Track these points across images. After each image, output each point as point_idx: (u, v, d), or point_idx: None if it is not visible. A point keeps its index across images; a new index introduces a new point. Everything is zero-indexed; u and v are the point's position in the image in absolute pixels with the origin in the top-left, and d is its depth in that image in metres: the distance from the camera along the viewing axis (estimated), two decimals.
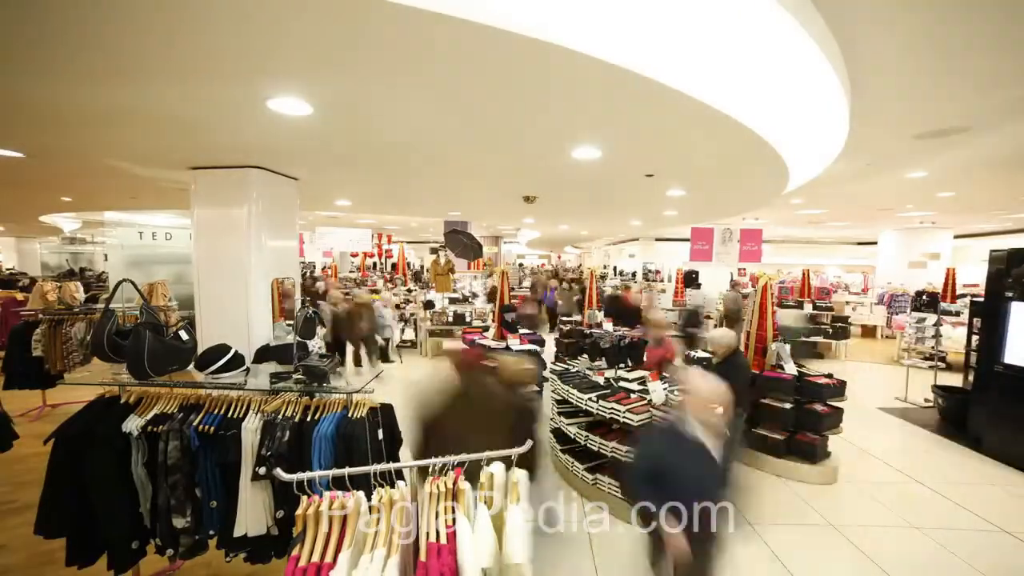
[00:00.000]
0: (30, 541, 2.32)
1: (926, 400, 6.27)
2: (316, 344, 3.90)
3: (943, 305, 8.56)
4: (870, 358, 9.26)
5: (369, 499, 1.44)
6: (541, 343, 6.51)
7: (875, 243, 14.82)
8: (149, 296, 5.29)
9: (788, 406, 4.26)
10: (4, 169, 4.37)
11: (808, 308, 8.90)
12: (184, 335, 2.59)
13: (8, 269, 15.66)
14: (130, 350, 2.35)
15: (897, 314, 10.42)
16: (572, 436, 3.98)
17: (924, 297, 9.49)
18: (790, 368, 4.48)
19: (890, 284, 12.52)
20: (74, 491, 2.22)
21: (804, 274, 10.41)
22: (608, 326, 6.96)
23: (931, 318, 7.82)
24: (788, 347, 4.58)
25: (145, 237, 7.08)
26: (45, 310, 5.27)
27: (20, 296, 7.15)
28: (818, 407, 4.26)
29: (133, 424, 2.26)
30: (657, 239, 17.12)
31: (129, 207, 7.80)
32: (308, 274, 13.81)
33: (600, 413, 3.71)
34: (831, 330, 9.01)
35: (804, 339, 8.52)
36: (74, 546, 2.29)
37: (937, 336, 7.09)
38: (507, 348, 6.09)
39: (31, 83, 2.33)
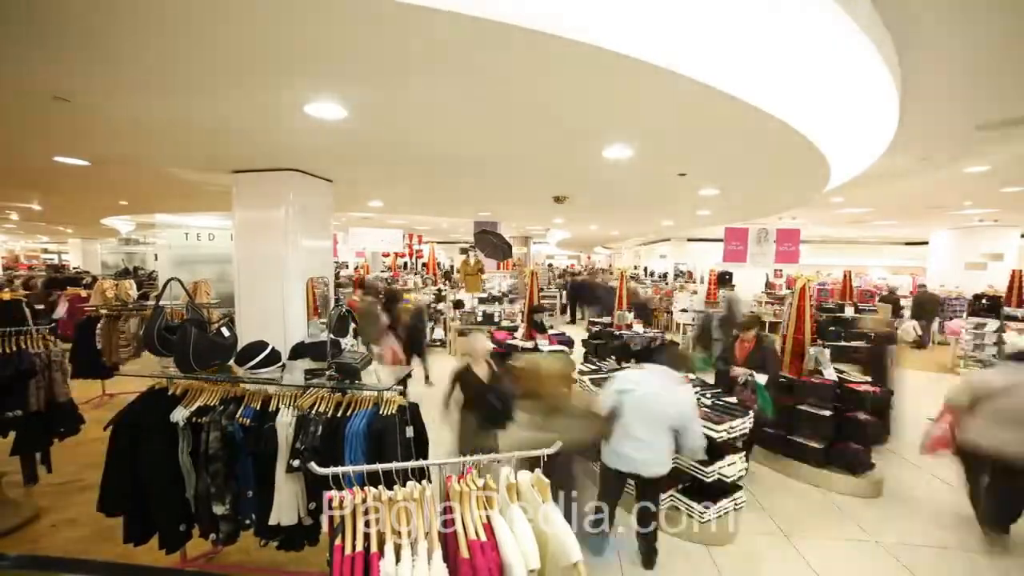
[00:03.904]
0: (95, 517, 2.51)
1: None
2: (348, 342, 4.02)
3: (1007, 310, 7.94)
4: (920, 366, 8.70)
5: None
6: (570, 343, 6.47)
7: (925, 243, 13.93)
8: (194, 294, 5.59)
9: (827, 413, 4.07)
10: (72, 175, 4.73)
11: (850, 311, 8.44)
12: (225, 332, 2.72)
13: (74, 268, 16.92)
14: (177, 345, 2.50)
15: (951, 319, 9.76)
16: None
17: (984, 301, 8.83)
18: (829, 373, 4.27)
19: (943, 287, 11.73)
20: (129, 474, 2.39)
21: (845, 276, 9.90)
22: (638, 327, 6.84)
23: (992, 324, 7.28)
24: (828, 352, 4.37)
25: (190, 238, 7.50)
26: (104, 306, 5.66)
27: (84, 293, 7.72)
28: (860, 415, 4.05)
29: (179, 415, 2.40)
30: (689, 239, 16.69)
31: (177, 209, 8.27)
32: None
33: None
34: (873, 335, 8.51)
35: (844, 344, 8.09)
36: (130, 524, 2.47)
37: (1000, 343, 6.59)
38: (536, 348, 6.10)
39: (101, 99, 2.55)
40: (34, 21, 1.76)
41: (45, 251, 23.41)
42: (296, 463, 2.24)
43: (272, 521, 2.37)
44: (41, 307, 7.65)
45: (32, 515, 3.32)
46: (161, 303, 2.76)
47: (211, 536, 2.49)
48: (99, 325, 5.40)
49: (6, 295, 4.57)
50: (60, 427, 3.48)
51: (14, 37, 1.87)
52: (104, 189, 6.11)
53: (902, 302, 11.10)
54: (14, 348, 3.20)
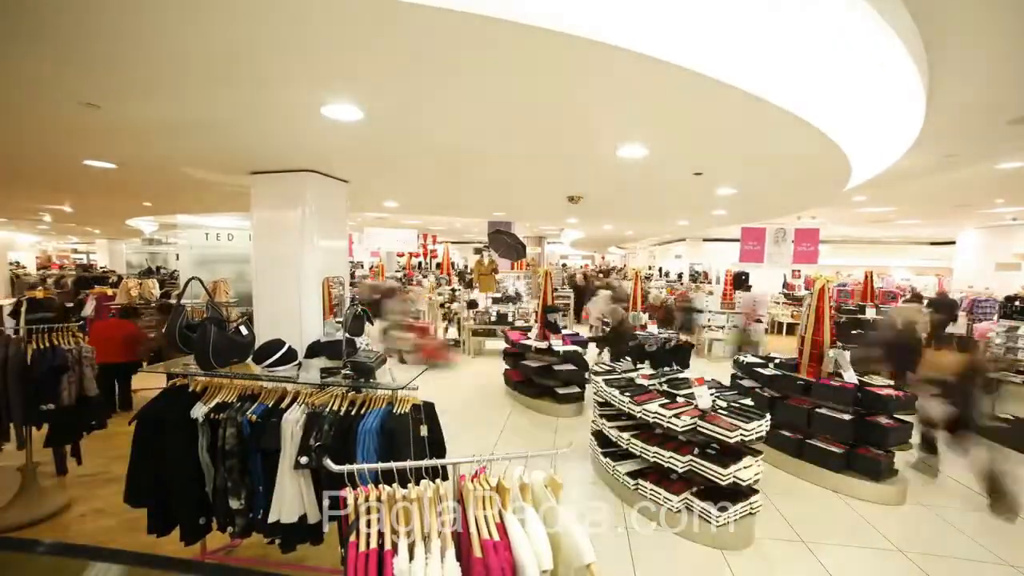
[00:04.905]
0: (122, 508, 2.60)
1: (1016, 418, 5.63)
2: (364, 341, 4.07)
3: None
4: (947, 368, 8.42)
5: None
6: (584, 344, 6.44)
7: (952, 243, 13.50)
8: (213, 293, 5.73)
9: (847, 417, 3.97)
10: (99, 178, 4.90)
11: (871, 312, 8.23)
12: (244, 330, 2.78)
13: (101, 267, 17.49)
14: (197, 343, 2.56)
15: (980, 321, 9.42)
16: (613, 439, 3.91)
17: (1017, 303, 8.51)
18: (849, 376, 4.17)
19: (971, 288, 11.35)
20: (153, 467, 2.47)
21: (866, 276, 9.63)
22: (653, 328, 6.78)
23: None
24: (848, 354, 4.27)
25: (211, 238, 7.68)
26: (128, 304, 5.85)
27: (110, 292, 7.97)
28: (882, 420, 3.94)
29: (199, 411, 2.46)
30: (705, 239, 16.46)
31: (197, 210, 8.47)
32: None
33: (643, 417, 3.62)
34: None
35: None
36: (153, 517, 2.55)
37: None
38: (550, 349, 6.09)
39: (127, 104, 2.64)
40: (63, 29, 1.82)
41: (75, 251, 24.24)
42: (304, 460, 2.26)
43: (272, 518, 2.37)
44: (71, 305, 7.93)
45: (63, 505, 3.45)
46: (182, 302, 2.84)
47: (228, 529, 2.55)
48: None
49: (39, 293, 4.75)
50: (90, 421, 3.60)
51: (46, 46, 1.94)
52: (129, 191, 6.30)
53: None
54: (48, 344, 3.33)
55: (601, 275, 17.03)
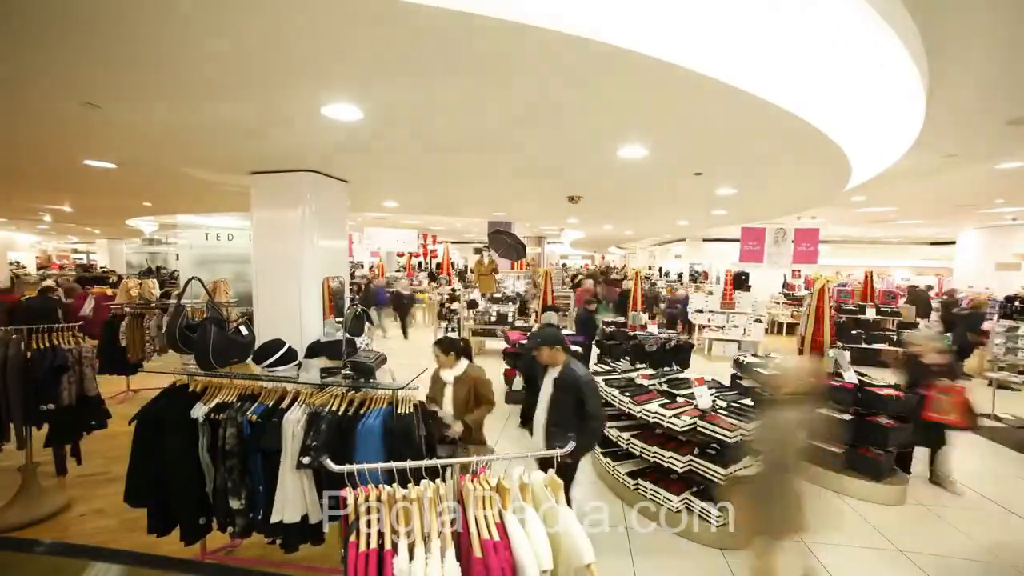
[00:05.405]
0: (122, 507, 2.62)
1: (1017, 419, 5.64)
2: (364, 341, 4.06)
3: None
4: None
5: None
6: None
7: (952, 243, 13.50)
8: (213, 293, 5.72)
9: (847, 417, 3.97)
10: (99, 178, 4.90)
11: (871, 312, 8.24)
12: (244, 330, 2.78)
13: (101, 267, 17.50)
14: (197, 343, 2.56)
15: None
16: (613, 439, 3.92)
17: (1017, 303, 8.49)
18: (850, 376, 4.17)
19: (971, 288, 11.35)
20: (153, 467, 2.47)
21: (867, 276, 9.63)
22: (653, 328, 6.79)
23: None
24: (848, 354, 4.27)
25: (211, 238, 7.67)
26: (128, 304, 5.84)
27: (110, 292, 7.97)
28: (882, 420, 3.94)
29: (199, 411, 2.46)
30: (705, 239, 16.45)
31: (197, 210, 8.47)
32: None
33: (643, 417, 3.62)
34: (896, 337, 8.27)
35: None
36: (153, 516, 2.55)
37: None
38: None
39: (127, 104, 2.64)
40: (63, 29, 1.82)
41: (75, 251, 24.22)
42: (306, 460, 2.27)
43: (274, 518, 2.37)
44: (70, 302, 7.94)
45: (63, 505, 3.45)
46: (182, 302, 2.84)
47: (228, 529, 2.55)
48: (123, 323, 5.57)
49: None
50: (90, 421, 3.60)
51: (46, 45, 1.94)
52: (129, 191, 6.30)
53: (933, 302, 10.45)
54: (48, 344, 3.32)
55: (601, 275, 17.04)
